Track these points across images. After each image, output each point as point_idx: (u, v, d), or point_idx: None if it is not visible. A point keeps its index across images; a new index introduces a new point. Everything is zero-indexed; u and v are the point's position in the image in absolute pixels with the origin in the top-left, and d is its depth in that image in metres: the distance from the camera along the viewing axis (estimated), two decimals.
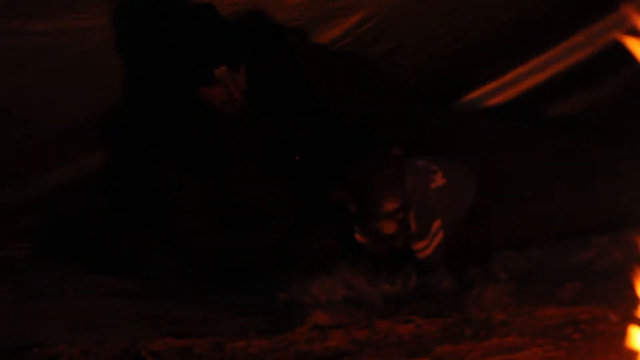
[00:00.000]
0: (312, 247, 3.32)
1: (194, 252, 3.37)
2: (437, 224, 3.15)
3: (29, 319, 2.89)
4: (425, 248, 3.13)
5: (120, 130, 3.53)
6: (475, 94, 4.01)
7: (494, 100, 4.02)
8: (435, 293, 2.99)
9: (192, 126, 3.39)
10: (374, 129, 3.49)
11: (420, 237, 3.12)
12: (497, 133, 3.61)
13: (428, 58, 3.82)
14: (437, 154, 3.31)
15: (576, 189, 3.38)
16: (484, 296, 2.86)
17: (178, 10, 3.33)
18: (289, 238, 3.34)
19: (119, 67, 3.43)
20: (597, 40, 3.91)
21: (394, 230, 3.06)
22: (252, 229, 3.38)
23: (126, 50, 3.40)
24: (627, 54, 3.96)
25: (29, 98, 3.39)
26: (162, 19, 3.30)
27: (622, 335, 2.29)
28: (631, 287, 2.26)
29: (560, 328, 2.54)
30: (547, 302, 2.76)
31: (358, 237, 3.13)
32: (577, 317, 2.60)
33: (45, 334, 2.71)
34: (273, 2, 3.49)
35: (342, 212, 3.06)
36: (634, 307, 2.25)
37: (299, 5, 3.53)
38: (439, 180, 3.20)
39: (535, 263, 3.11)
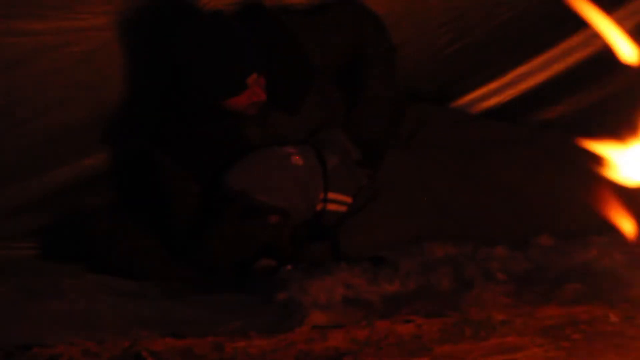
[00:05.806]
0: (311, 248, 3.33)
1: (191, 253, 3.37)
2: None
3: (29, 319, 2.88)
4: None
5: (123, 130, 3.53)
6: (475, 94, 4.01)
7: (494, 100, 4.02)
8: (435, 293, 2.99)
9: (203, 125, 3.38)
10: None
11: None
12: (495, 133, 3.61)
13: (428, 58, 3.82)
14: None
15: (575, 189, 3.38)
16: (483, 296, 2.86)
17: (193, 26, 3.26)
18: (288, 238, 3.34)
19: (120, 67, 3.42)
20: (597, 40, 3.91)
21: None
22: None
23: (140, 61, 3.39)
24: None
25: (29, 98, 3.38)
26: (176, 36, 3.26)
27: (622, 335, 2.29)
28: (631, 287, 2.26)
29: (560, 328, 2.54)
30: (547, 302, 2.75)
31: None
32: (577, 317, 2.59)
33: (45, 334, 2.71)
34: (272, 2, 3.49)
35: None
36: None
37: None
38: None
39: (535, 263, 3.11)
